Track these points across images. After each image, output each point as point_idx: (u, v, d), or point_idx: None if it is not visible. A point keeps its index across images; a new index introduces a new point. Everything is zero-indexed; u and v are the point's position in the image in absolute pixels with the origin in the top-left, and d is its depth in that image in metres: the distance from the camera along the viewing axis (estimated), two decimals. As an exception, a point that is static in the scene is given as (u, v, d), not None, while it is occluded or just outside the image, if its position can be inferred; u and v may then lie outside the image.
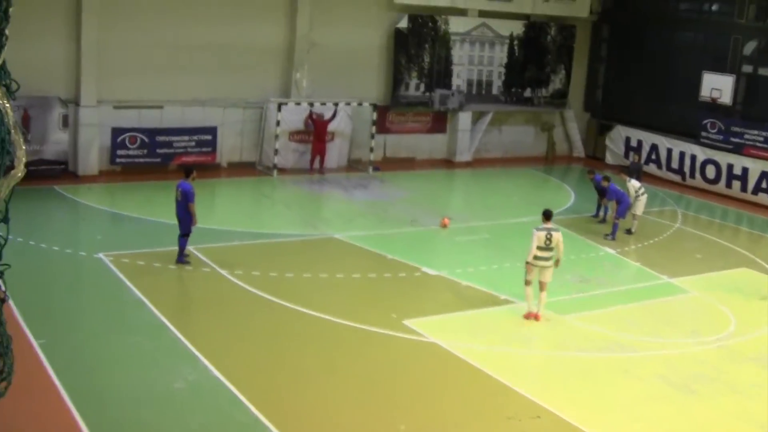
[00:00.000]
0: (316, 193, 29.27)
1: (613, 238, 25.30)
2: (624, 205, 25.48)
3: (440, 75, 35.39)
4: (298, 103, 32.02)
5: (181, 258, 20.37)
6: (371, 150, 33.70)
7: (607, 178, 26.54)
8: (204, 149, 30.50)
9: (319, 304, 18.13)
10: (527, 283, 17.91)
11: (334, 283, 19.76)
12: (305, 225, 24.68)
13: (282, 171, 31.88)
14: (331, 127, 32.68)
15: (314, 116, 32.21)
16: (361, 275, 20.46)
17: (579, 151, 40.02)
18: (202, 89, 30.81)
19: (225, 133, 31.34)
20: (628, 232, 26.26)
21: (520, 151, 39.05)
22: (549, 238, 17.53)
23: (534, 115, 39.12)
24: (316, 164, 32.57)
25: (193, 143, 30.23)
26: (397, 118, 35.82)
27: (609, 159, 38.03)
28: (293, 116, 32.08)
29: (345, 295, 18.99)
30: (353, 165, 33.74)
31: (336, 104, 32.26)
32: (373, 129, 33.74)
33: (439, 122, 37.02)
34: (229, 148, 31.90)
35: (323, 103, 32.27)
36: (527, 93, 38.05)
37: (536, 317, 17.95)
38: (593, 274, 21.87)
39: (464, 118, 37.01)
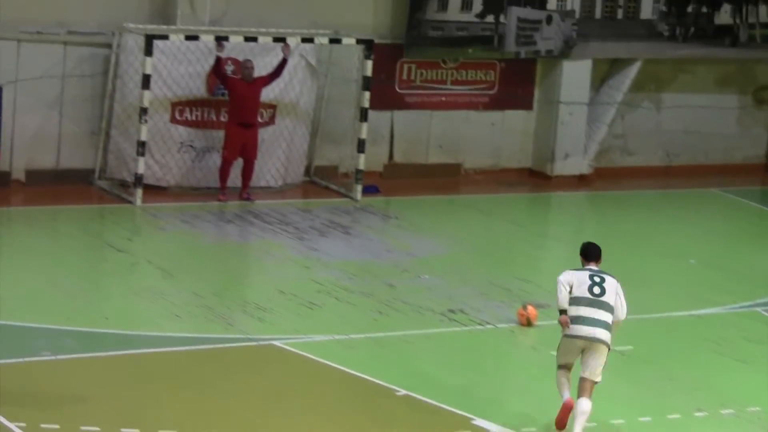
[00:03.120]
0: (233, 246, 22.09)
1: None
2: None
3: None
4: (192, 37, 23.57)
5: None
6: (360, 148, 24.48)
7: None
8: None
9: None
10: (561, 368, 12.85)
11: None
12: (207, 317, 17.22)
13: (155, 191, 23.43)
14: (269, 93, 23.80)
15: (231, 68, 23.54)
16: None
17: None
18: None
19: (20, 101, 23.02)
20: None
21: (704, 150, 28.90)
22: (598, 284, 12.39)
23: (740, 69, 29.34)
24: (234, 179, 23.89)
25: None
26: (419, 73, 26.23)
27: None
28: (181, 67, 23.72)
29: None
30: (320, 180, 25.14)
31: (281, 42, 23.41)
32: (365, 99, 24.42)
33: (516, 84, 27.05)
34: (29, 137, 23.53)
35: (251, 39, 23.78)
36: (721, 18, 28.55)
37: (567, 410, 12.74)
38: None
39: (575, 75, 26.92)
